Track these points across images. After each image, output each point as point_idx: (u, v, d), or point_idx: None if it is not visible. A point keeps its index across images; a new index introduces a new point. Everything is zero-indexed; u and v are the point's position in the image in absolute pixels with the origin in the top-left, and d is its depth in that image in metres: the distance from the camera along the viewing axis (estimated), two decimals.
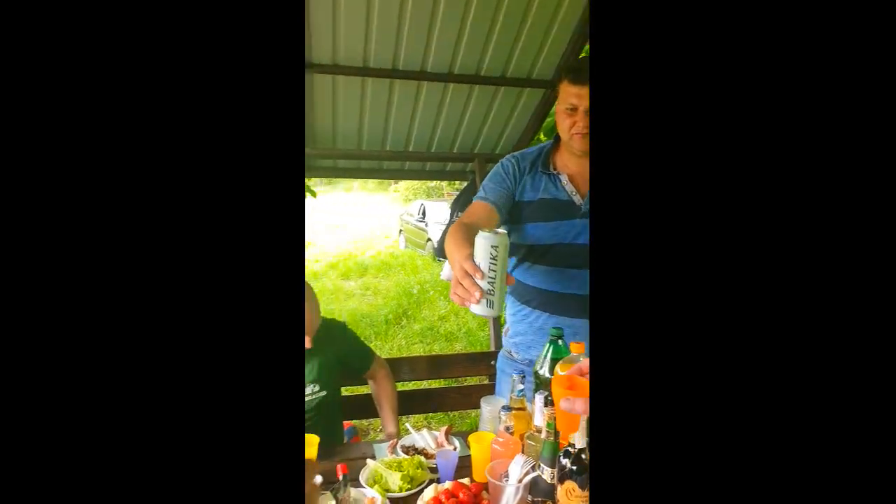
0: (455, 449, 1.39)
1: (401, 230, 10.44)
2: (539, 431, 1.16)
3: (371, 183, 18.12)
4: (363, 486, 1.22)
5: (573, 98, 1.31)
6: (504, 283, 0.97)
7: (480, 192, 1.44)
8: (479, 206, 1.39)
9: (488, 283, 0.95)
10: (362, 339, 1.99)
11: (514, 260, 1.52)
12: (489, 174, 1.48)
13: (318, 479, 1.22)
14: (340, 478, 0.99)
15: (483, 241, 0.95)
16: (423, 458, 1.34)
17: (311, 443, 1.34)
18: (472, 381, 2.67)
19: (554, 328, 1.19)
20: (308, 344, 1.57)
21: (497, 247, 0.94)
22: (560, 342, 1.18)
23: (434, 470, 1.31)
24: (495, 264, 0.94)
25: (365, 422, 3.16)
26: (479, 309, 0.96)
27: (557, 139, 1.45)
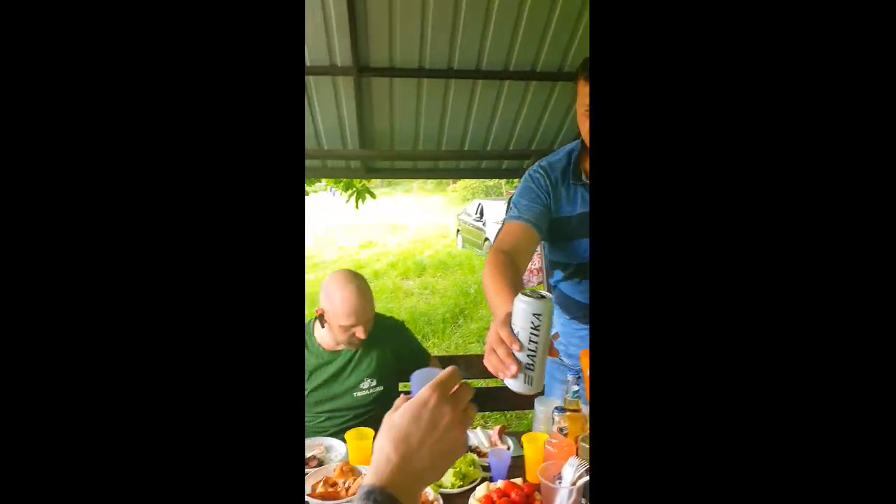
0: (508, 448, 1.38)
1: (458, 230, 10.49)
2: None
3: (430, 183, 18.30)
4: None
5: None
6: (546, 355, 0.80)
7: (513, 211, 1.29)
8: (515, 228, 1.26)
9: (527, 356, 0.79)
10: (420, 336, 2.02)
11: (560, 274, 1.44)
12: (518, 189, 1.35)
13: None
14: None
15: (523, 307, 0.78)
16: (475, 457, 1.34)
17: (366, 436, 1.37)
18: None
19: None
20: (361, 335, 1.61)
21: (540, 315, 0.78)
22: None
23: (487, 468, 1.31)
24: (537, 335, 0.78)
25: None
26: (514, 384, 0.80)
27: (584, 142, 1.33)
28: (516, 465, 1.30)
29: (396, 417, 0.55)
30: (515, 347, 0.79)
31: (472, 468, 1.28)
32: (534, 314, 0.77)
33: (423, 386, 0.57)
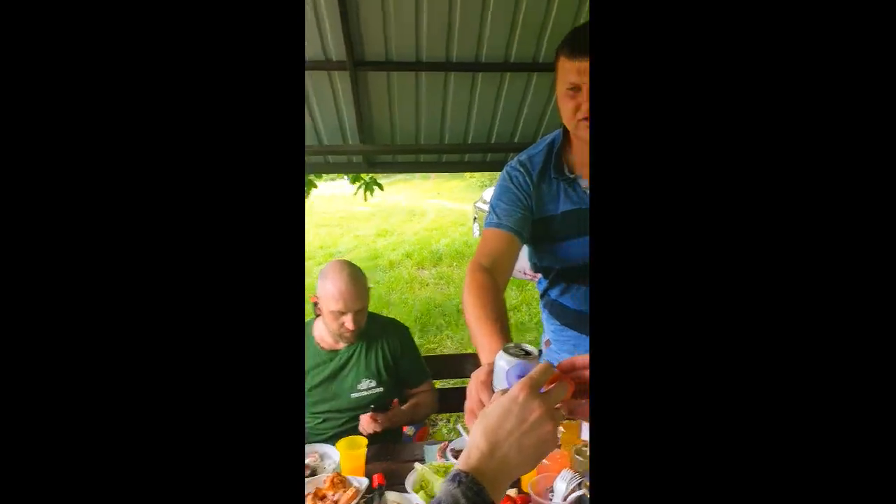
0: None
1: (475, 218, 10.42)
2: (588, 446, 1.10)
3: None
4: (409, 492, 1.21)
5: (573, 75, 1.06)
6: None
7: (492, 217, 1.19)
8: (494, 237, 1.16)
9: None
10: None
11: (544, 282, 1.36)
12: (496, 190, 1.23)
13: (364, 482, 1.24)
14: (376, 487, 0.99)
15: (506, 368, 0.67)
16: None
17: (359, 444, 1.36)
18: None
19: None
20: (350, 325, 1.61)
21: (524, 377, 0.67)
22: None
23: None
24: None
25: (432, 415, 3.20)
26: None
27: (566, 131, 1.20)
28: None
29: (489, 410, 0.58)
30: None
31: None
32: (518, 376, 0.66)
33: (515, 381, 0.60)
